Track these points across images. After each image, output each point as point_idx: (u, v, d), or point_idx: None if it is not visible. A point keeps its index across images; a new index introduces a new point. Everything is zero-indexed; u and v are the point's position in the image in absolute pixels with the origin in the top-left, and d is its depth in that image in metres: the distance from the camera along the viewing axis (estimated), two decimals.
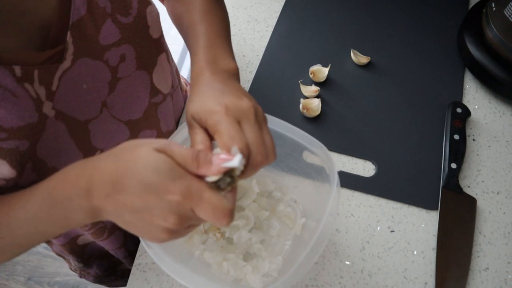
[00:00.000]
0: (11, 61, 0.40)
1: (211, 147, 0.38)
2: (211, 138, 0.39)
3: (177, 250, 0.53)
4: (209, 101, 0.38)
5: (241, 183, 0.57)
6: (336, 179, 0.44)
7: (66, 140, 0.48)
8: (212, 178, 0.33)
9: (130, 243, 0.71)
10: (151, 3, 0.51)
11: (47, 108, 0.44)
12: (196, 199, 0.33)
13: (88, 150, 0.52)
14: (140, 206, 0.33)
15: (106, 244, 0.68)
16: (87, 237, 0.67)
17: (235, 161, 0.33)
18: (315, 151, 0.47)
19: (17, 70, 0.40)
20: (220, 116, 0.37)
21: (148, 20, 0.51)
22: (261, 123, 0.39)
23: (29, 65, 0.41)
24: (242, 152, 0.35)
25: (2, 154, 0.42)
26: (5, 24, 0.40)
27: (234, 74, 0.45)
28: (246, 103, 0.38)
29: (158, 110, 0.59)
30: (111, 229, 0.64)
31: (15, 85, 0.40)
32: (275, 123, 0.48)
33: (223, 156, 0.33)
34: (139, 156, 0.33)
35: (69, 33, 0.44)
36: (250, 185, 0.56)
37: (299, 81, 0.68)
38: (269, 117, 0.48)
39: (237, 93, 0.40)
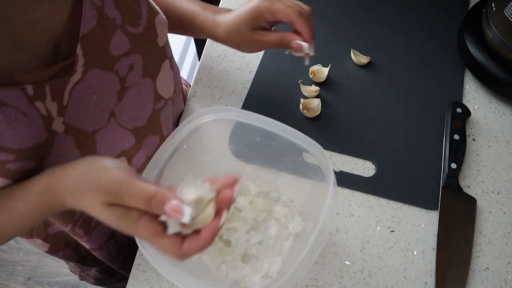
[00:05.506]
0: (22, 80, 0.40)
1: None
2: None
3: None
4: (246, 6, 0.54)
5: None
6: (332, 178, 0.44)
7: (73, 152, 0.48)
8: (164, 218, 0.35)
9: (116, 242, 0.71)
10: (159, 12, 0.51)
11: (57, 124, 0.44)
12: (148, 241, 0.36)
13: None
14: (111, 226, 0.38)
15: (90, 244, 0.67)
16: None
17: (185, 217, 0.34)
18: (311, 150, 0.47)
19: (29, 89, 0.40)
20: (266, 2, 0.53)
21: (157, 29, 0.51)
22: None
23: (40, 82, 0.41)
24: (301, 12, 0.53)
25: (8, 175, 0.42)
26: (21, 43, 0.40)
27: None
28: None
29: (160, 115, 0.59)
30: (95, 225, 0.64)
31: (26, 105, 0.40)
32: (270, 124, 0.48)
33: (175, 209, 0.35)
34: (92, 207, 0.37)
35: (79, 45, 0.43)
36: (246, 186, 0.56)
37: (299, 81, 0.68)
38: (263, 118, 0.48)
39: None
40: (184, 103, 0.68)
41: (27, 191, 0.42)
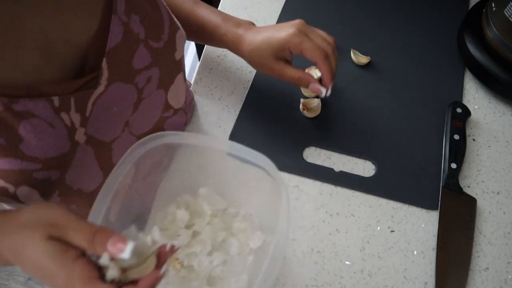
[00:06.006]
0: (50, 92, 0.40)
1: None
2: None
3: None
4: (277, 34, 0.54)
5: (194, 207, 0.56)
6: (285, 190, 0.43)
7: (92, 162, 0.49)
8: (104, 262, 0.35)
9: None
10: (180, 28, 0.52)
11: (79, 135, 0.45)
12: (83, 284, 0.34)
13: (108, 168, 0.52)
14: (40, 278, 0.36)
15: None
16: None
17: (126, 253, 0.34)
18: (260, 164, 0.46)
19: (56, 100, 0.41)
20: (297, 38, 0.53)
21: (177, 44, 0.52)
22: (311, 27, 0.56)
23: (66, 94, 0.41)
24: (325, 52, 0.54)
25: (35, 185, 0.42)
26: (52, 56, 0.41)
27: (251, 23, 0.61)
28: (296, 21, 0.55)
29: (166, 123, 0.59)
30: None
31: (53, 116, 0.41)
32: (221, 144, 0.48)
33: (118, 245, 0.35)
34: (31, 242, 0.35)
35: (104, 59, 0.44)
36: (202, 208, 0.55)
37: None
38: (212, 138, 0.49)
39: (280, 25, 0.57)
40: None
41: None
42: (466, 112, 0.64)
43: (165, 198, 0.58)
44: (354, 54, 0.70)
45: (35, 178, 0.42)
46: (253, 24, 0.60)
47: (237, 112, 0.66)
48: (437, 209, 0.58)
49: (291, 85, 0.68)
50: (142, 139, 0.46)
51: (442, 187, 0.59)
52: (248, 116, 0.66)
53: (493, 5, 0.64)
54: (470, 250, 0.55)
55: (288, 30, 0.54)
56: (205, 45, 0.73)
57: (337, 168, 0.62)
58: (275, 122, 0.65)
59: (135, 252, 0.35)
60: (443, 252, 0.55)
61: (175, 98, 0.58)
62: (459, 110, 0.64)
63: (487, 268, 0.54)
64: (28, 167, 0.41)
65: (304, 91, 0.67)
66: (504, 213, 0.58)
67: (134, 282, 0.35)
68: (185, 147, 0.51)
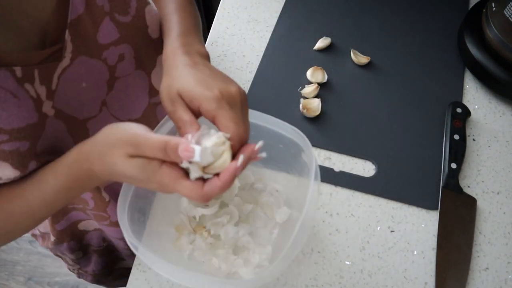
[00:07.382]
0: (11, 62, 0.40)
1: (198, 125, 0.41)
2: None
3: (165, 253, 0.53)
4: (200, 85, 0.40)
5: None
6: (314, 166, 0.45)
7: (66, 138, 0.49)
8: (185, 165, 0.37)
9: None
10: (149, 3, 0.51)
11: (47, 108, 0.45)
12: (171, 188, 0.38)
13: None
14: (137, 185, 0.41)
15: (111, 232, 0.68)
16: (90, 223, 0.68)
17: (197, 156, 0.36)
18: (294, 139, 0.48)
19: (18, 71, 0.40)
20: (217, 102, 0.39)
21: (147, 19, 0.51)
22: (245, 108, 0.42)
23: (29, 65, 0.41)
24: (241, 138, 0.40)
25: (4, 156, 0.42)
26: (6, 25, 0.40)
27: (207, 58, 0.48)
28: (234, 89, 0.41)
29: (157, 110, 0.59)
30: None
31: (15, 86, 0.40)
32: (253, 116, 0.49)
33: (187, 151, 0.36)
34: (116, 162, 0.38)
35: (67, 31, 0.44)
36: None
37: (298, 89, 0.68)
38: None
39: (224, 78, 0.42)
40: None
41: (57, 165, 0.43)
42: (466, 112, 0.64)
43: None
44: (354, 54, 0.70)
45: (3, 150, 0.41)
46: (207, 58, 0.48)
47: None
48: (437, 209, 0.58)
49: (292, 85, 0.68)
50: None
51: (442, 187, 0.59)
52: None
53: (493, 5, 0.64)
54: (470, 250, 0.55)
55: (210, 92, 0.39)
56: (205, 45, 0.73)
57: (337, 168, 0.62)
58: None
59: (208, 151, 0.37)
60: (443, 252, 0.55)
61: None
62: (459, 110, 0.64)
63: (487, 268, 0.54)
64: None
65: (304, 94, 0.67)
66: (504, 213, 0.58)
67: (217, 175, 0.38)
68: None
